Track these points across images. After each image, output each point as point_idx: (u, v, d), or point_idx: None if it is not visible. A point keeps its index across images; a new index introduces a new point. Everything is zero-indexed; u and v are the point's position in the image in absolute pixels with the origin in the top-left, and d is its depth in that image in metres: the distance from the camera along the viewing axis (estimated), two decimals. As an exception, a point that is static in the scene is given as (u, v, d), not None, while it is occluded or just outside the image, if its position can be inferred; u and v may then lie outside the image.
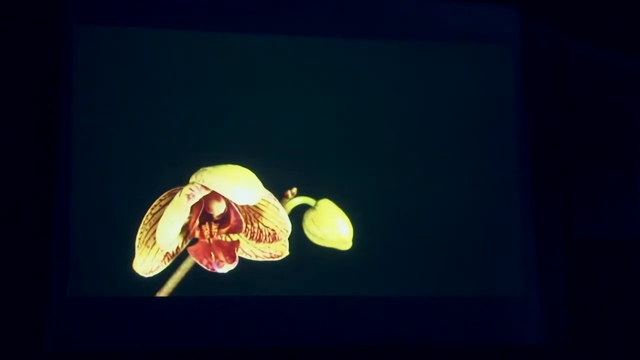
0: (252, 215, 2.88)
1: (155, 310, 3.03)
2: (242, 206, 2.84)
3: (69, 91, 3.07)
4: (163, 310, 3.03)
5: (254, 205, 2.85)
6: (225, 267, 2.86)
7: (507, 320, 3.21)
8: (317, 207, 3.07)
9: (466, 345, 3.18)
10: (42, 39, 3.09)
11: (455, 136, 3.27)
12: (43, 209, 3.01)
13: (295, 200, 3.04)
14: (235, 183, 2.77)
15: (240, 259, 2.90)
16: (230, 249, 2.86)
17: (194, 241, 2.89)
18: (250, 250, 2.94)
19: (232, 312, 3.08)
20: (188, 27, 3.19)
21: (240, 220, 2.83)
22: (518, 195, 3.28)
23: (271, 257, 2.95)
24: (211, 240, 2.87)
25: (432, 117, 3.26)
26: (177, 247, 2.89)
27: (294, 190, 3.05)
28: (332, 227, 3.07)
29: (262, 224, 2.88)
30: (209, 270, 2.86)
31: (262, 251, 2.95)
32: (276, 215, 2.86)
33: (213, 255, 2.85)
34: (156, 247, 2.85)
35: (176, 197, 2.79)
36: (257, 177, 2.85)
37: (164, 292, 2.99)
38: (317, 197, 3.08)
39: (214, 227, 2.86)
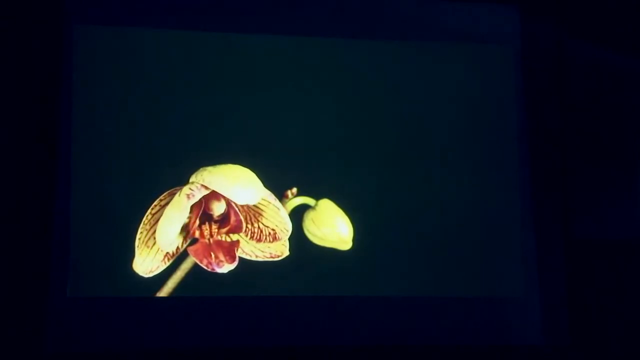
0: (252, 215, 2.88)
1: (155, 310, 3.03)
2: (242, 206, 2.84)
3: (69, 91, 3.07)
4: (163, 310, 3.03)
5: (254, 205, 2.85)
6: (225, 267, 2.86)
7: (507, 320, 3.21)
8: (317, 207, 3.07)
9: (466, 345, 3.18)
10: (42, 39, 3.09)
11: (455, 136, 3.27)
12: (43, 209, 3.01)
13: (295, 200, 3.04)
14: (235, 182, 2.77)
15: (240, 259, 2.90)
16: (230, 249, 2.86)
17: (194, 241, 2.89)
18: (250, 250, 2.94)
19: (232, 312, 3.08)
20: (188, 27, 3.19)
21: (240, 220, 2.83)
22: (518, 195, 3.28)
23: (271, 257, 2.95)
24: (211, 240, 2.87)
25: (432, 117, 3.26)
26: (177, 247, 2.89)
27: (294, 190, 3.05)
28: (332, 227, 3.07)
29: (263, 224, 2.88)
30: (209, 270, 2.86)
31: (262, 251, 2.95)
32: (276, 215, 2.86)
33: (213, 255, 2.85)
34: (156, 247, 2.85)
35: (176, 197, 2.79)
36: (257, 177, 2.85)
37: (164, 292, 2.99)
38: (317, 197, 3.08)
39: (214, 227, 2.86)
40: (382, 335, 3.14)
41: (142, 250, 2.86)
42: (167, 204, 2.82)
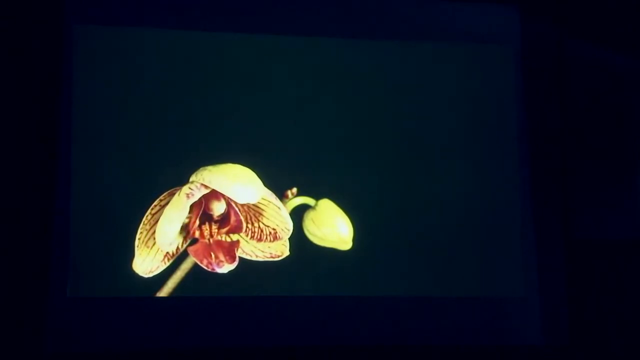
0: (252, 215, 2.87)
1: (155, 310, 3.03)
2: (242, 206, 2.84)
3: (69, 91, 3.07)
4: (163, 310, 3.03)
5: (255, 205, 2.85)
6: (225, 267, 2.86)
7: (507, 320, 3.21)
8: (317, 207, 3.07)
9: (466, 345, 3.18)
10: (42, 39, 3.09)
11: (455, 136, 3.27)
12: (43, 209, 3.01)
13: (295, 200, 3.04)
14: (235, 181, 2.76)
15: (240, 259, 2.89)
16: (230, 249, 2.86)
17: (194, 241, 2.89)
18: (251, 250, 2.94)
19: (232, 312, 3.08)
20: (188, 27, 3.19)
21: (241, 221, 2.83)
22: (518, 195, 3.28)
23: (271, 257, 2.95)
24: (211, 240, 2.86)
25: (432, 117, 3.26)
26: (177, 247, 2.89)
27: (294, 190, 3.04)
28: (332, 227, 3.07)
29: (263, 224, 2.88)
30: (209, 270, 2.86)
31: (263, 251, 2.95)
32: (277, 215, 2.85)
33: (213, 256, 2.85)
34: (156, 247, 2.85)
35: (175, 197, 2.78)
36: (257, 177, 2.84)
37: (164, 292, 2.99)
38: (317, 197, 3.08)
39: (214, 227, 2.86)
40: (382, 335, 3.14)
41: (142, 250, 2.86)
42: (167, 204, 2.82)
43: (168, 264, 2.91)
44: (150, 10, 3.18)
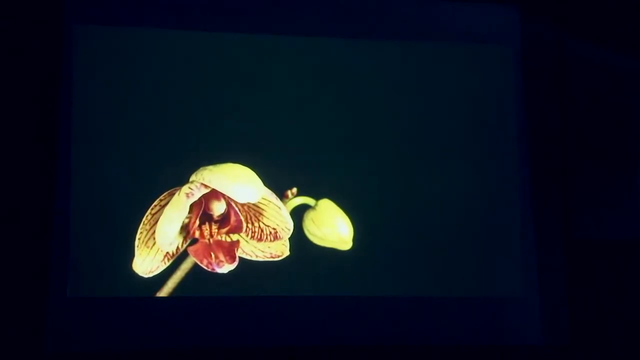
0: (252, 215, 2.87)
1: (155, 310, 3.03)
2: (242, 206, 2.84)
3: (69, 91, 3.07)
4: (163, 310, 3.03)
5: (255, 205, 2.85)
6: (225, 267, 2.86)
7: (507, 320, 3.21)
8: (317, 207, 3.07)
9: (466, 345, 3.18)
10: (42, 39, 3.09)
11: (455, 136, 3.27)
12: (43, 209, 3.01)
13: (295, 200, 3.04)
14: (235, 181, 2.76)
15: (240, 259, 2.89)
16: (230, 249, 2.86)
17: (194, 241, 2.89)
18: (251, 250, 2.94)
19: (232, 312, 3.08)
20: (188, 27, 3.19)
21: (241, 221, 2.83)
22: (518, 195, 3.28)
23: (271, 257, 2.95)
24: (211, 240, 2.86)
25: (432, 117, 3.26)
26: (177, 247, 2.89)
27: (294, 190, 3.04)
28: (332, 227, 3.07)
29: (263, 223, 2.87)
30: (209, 270, 2.86)
31: (263, 251, 2.95)
32: (277, 214, 2.85)
33: (213, 256, 2.85)
34: (156, 247, 2.85)
35: (175, 196, 2.78)
36: (258, 177, 2.84)
37: (164, 292, 2.99)
38: (317, 197, 3.08)
39: (214, 227, 2.86)
40: (382, 335, 3.14)
41: (142, 250, 2.86)
42: (167, 204, 2.82)
43: (168, 264, 2.90)
44: (150, 10, 3.18)
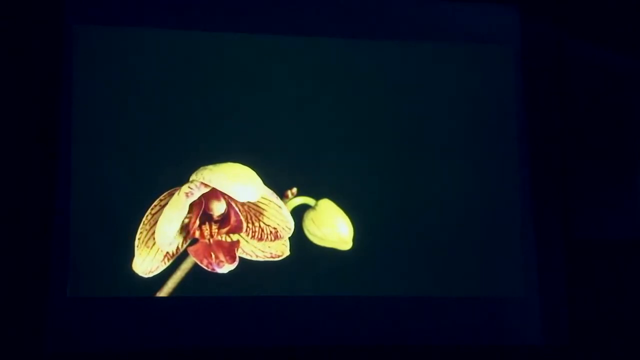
0: (252, 215, 2.87)
1: (155, 310, 3.03)
2: (242, 205, 2.84)
3: (69, 91, 3.07)
4: (163, 310, 3.03)
5: (255, 204, 2.85)
6: (226, 267, 2.85)
7: (507, 320, 3.21)
8: (317, 207, 3.07)
9: (466, 345, 3.18)
10: (42, 39, 3.09)
11: (455, 136, 3.27)
12: (43, 209, 3.01)
13: (295, 200, 3.04)
14: (235, 180, 2.76)
15: (240, 259, 2.89)
16: (230, 249, 2.86)
17: (194, 241, 2.89)
18: (251, 250, 2.94)
19: (232, 312, 3.08)
20: (188, 27, 3.19)
21: (241, 221, 2.82)
22: (518, 195, 3.28)
23: (272, 257, 2.95)
24: (211, 240, 2.86)
25: (432, 117, 3.26)
26: (177, 247, 2.89)
27: (294, 190, 3.04)
28: (332, 227, 3.07)
29: (264, 223, 2.87)
30: (209, 270, 2.86)
31: (263, 251, 2.94)
32: (278, 214, 2.85)
33: (213, 256, 2.85)
34: (156, 247, 2.85)
35: (175, 196, 2.78)
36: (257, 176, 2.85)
37: (164, 292, 2.99)
38: (317, 197, 3.08)
39: (214, 227, 2.86)
40: (382, 335, 3.14)
41: (141, 250, 2.86)
42: (167, 204, 2.81)
43: (168, 264, 2.90)
44: (150, 10, 3.18)
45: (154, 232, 2.82)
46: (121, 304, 3.02)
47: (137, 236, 2.84)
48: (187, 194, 2.74)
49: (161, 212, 2.81)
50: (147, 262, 2.87)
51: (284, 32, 3.24)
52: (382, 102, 3.24)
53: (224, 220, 2.84)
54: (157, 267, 2.89)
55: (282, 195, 3.00)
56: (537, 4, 3.39)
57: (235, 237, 2.89)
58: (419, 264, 3.18)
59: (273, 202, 2.84)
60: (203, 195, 2.78)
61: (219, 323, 3.07)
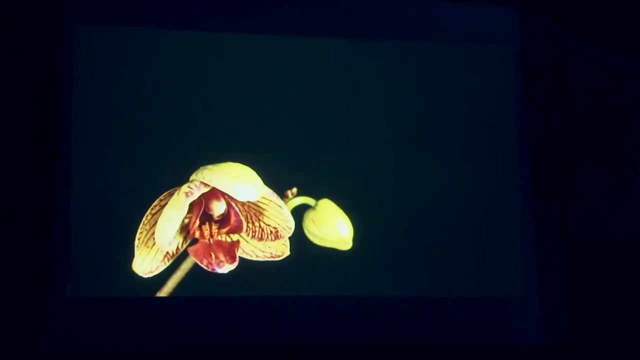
0: (253, 215, 2.87)
1: (155, 310, 3.03)
2: (242, 205, 2.84)
3: (69, 91, 3.07)
4: (163, 310, 3.03)
5: (255, 204, 2.85)
6: (226, 268, 2.85)
7: (507, 320, 3.21)
8: (317, 207, 3.07)
9: (466, 345, 3.18)
10: (42, 39, 3.09)
11: (455, 136, 3.27)
12: (43, 209, 3.01)
13: (295, 200, 3.04)
14: (235, 179, 2.76)
15: (241, 259, 2.89)
16: (230, 249, 2.86)
17: (194, 241, 2.89)
18: (251, 250, 2.94)
19: (232, 312, 3.08)
20: (188, 27, 3.19)
21: (241, 221, 2.82)
22: (518, 195, 3.28)
23: (272, 257, 2.95)
24: (211, 240, 2.86)
25: (432, 117, 3.26)
26: (177, 247, 2.89)
27: (294, 190, 3.04)
28: (332, 227, 3.07)
29: (264, 223, 2.87)
30: (209, 270, 2.86)
31: (263, 251, 2.94)
32: (278, 214, 2.85)
33: (213, 256, 2.85)
34: (156, 247, 2.85)
35: (175, 195, 2.78)
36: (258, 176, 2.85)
37: (164, 292, 2.99)
38: (317, 197, 3.08)
39: (214, 227, 2.86)
40: (382, 335, 3.14)
41: (141, 250, 2.86)
42: (167, 204, 2.81)
43: (168, 264, 2.90)
44: (150, 10, 3.18)
45: (154, 232, 2.82)
46: (121, 304, 3.02)
47: (137, 236, 2.84)
48: (186, 194, 2.74)
49: (161, 212, 2.81)
50: (147, 262, 2.87)
51: (284, 32, 3.24)
52: (382, 102, 3.24)
53: (224, 220, 2.84)
54: (157, 267, 2.89)
55: (282, 195, 3.00)
56: (537, 4, 3.39)
57: (235, 237, 2.89)
58: (419, 264, 3.18)
59: (273, 201, 2.84)
60: (203, 195, 2.78)
61: (219, 323, 3.07)
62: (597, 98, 3.38)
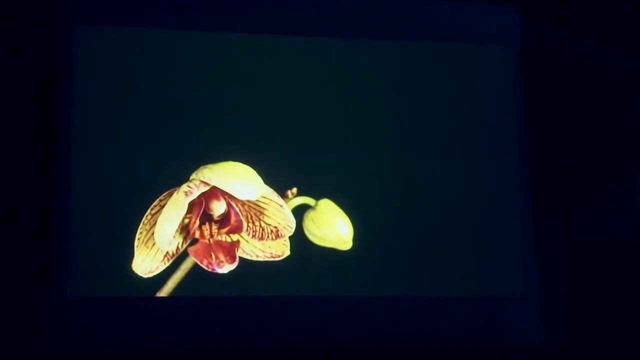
0: (253, 214, 2.87)
1: (155, 310, 3.03)
2: (243, 205, 2.84)
3: (69, 91, 3.07)
4: (163, 310, 3.03)
5: (256, 204, 2.85)
6: (226, 268, 2.85)
7: (507, 320, 3.21)
8: (317, 207, 3.07)
9: (466, 345, 3.18)
10: (42, 39, 3.09)
11: (455, 136, 3.27)
12: (43, 209, 3.01)
13: (295, 200, 3.04)
14: (236, 178, 2.75)
15: (241, 259, 2.89)
16: (230, 249, 2.86)
17: (194, 241, 2.88)
18: (251, 250, 2.94)
19: (232, 312, 3.08)
20: (188, 27, 3.19)
21: (241, 221, 2.82)
22: (518, 195, 3.28)
23: (272, 257, 2.95)
24: (211, 240, 2.86)
25: (432, 117, 3.26)
26: (177, 247, 2.89)
27: (294, 190, 3.04)
28: (332, 227, 3.07)
29: (264, 222, 2.87)
30: (209, 270, 2.86)
31: (263, 251, 2.94)
32: (279, 213, 2.84)
33: (213, 256, 2.85)
34: (156, 247, 2.84)
35: (174, 195, 2.78)
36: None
37: (164, 292, 2.99)
38: (317, 197, 3.08)
39: (214, 227, 2.86)
40: (382, 335, 3.14)
41: (141, 250, 2.86)
42: (167, 204, 2.81)
43: (168, 264, 2.90)
44: (150, 10, 3.18)
45: (153, 232, 2.81)
46: (121, 304, 3.02)
47: (137, 236, 2.84)
48: (186, 193, 2.74)
49: (161, 212, 2.81)
50: (147, 262, 2.87)
51: (284, 32, 3.24)
52: (382, 102, 3.24)
53: (224, 220, 2.84)
54: (157, 267, 2.89)
55: (282, 196, 2.99)
56: (537, 4, 3.39)
57: (235, 237, 2.89)
58: (419, 264, 3.18)
59: (274, 201, 2.84)
60: (203, 195, 2.78)
61: (219, 323, 3.07)
62: (597, 98, 3.38)
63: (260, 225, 2.87)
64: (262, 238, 2.89)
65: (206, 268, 2.86)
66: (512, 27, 3.38)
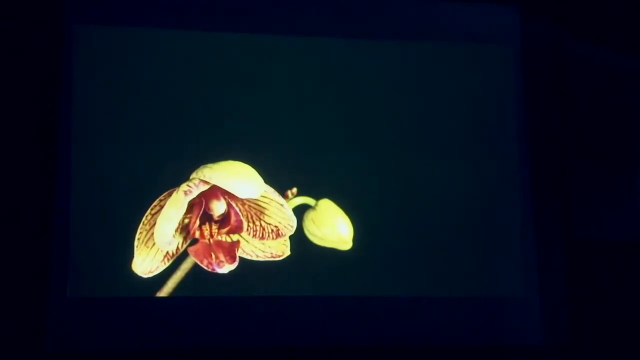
0: (254, 214, 2.87)
1: (155, 310, 3.03)
2: (243, 205, 2.84)
3: (69, 91, 3.07)
4: (163, 310, 3.03)
5: (256, 203, 2.85)
6: (226, 268, 2.85)
7: (507, 320, 3.21)
8: (317, 207, 3.07)
9: (466, 345, 3.18)
10: (42, 39, 3.09)
11: (455, 136, 3.27)
12: (43, 209, 3.01)
13: (295, 200, 3.04)
14: (236, 176, 2.75)
15: (241, 259, 2.89)
16: (230, 249, 2.85)
17: (194, 241, 2.88)
18: (251, 250, 2.94)
19: (232, 312, 3.08)
20: (188, 27, 3.19)
21: (241, 221, 2.82)
22: (518, 195, 3.28)
23: (272, 257, 2.95)
24: (211, 240, 2.86)
25: (432, 117, 3.26)
26: (177, 247, 2.89)
27: (294, 190, 3.04)
28: (332, 227, 3.07)
29: (265, 222, 2.87)
30: (209, 270, 2.86)
31: (263, 251, 2.94)
32: (280, 212, 2.84)
33: (213, 256, 2.85)
34: (156, 247, 2.84)
35: (174, 194, 2.78)
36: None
37: (164, 292, 2.99)
38: (317, 197, 3.08)
39: (214, 227, 2.86)
40: (382, 335, 3.14)
41: (141, 250, 2.86)
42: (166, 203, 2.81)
43: (168, 264, 2.90)
44: (150, 10, 3.18)
45: (153, 232, 2.81)
46: (121, 304, 3.02)
47: (137, 236, 2.84)
48: (185, 192, 2.74)
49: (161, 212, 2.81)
50: (146, 262, 2.87)
51: (284, 32, 3.24)
52: (382, 102, 3.24)
53: (224, 220, 2.84)
54: (157, 267, 2.89)
55: (282, 196, 2.99)
56: (537, 4, 3.39)
57: (235, 237, 2.89)
58: (419, 264, 3.18)
59: (274, 200, 2.84)
60: (203, 195, 2.78)
61: (219, 323, 3.07)
62: (597, 98, 3.38)
63: (261, 225, 2.87)
64: (262, 237, 2.89)
65: (206, 268, 2.86)
66: (512, 27, 3.38)
